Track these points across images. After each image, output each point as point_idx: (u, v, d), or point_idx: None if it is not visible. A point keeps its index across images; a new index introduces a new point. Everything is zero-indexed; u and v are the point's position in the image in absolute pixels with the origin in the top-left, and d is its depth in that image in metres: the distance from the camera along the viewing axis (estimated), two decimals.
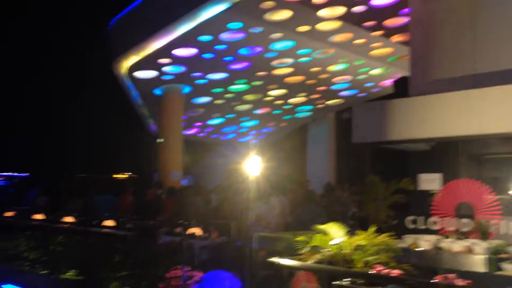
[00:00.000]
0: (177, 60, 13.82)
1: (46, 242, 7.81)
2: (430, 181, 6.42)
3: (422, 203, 6.07)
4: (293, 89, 16.91)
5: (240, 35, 12.58)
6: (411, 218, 5.35)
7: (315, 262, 4.34)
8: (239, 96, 17.07)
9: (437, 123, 7.50)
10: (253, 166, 5.17)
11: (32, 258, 7.94)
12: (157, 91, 15.72)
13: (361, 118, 8.38)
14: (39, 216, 9.87)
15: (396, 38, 13.24)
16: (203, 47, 13.11)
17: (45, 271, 7.68)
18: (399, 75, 15.26)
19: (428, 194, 6.10)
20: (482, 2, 8.00)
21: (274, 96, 17.47)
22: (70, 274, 7.13)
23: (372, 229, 4.52)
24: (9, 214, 10.78)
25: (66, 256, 7.31)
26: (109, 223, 8.66)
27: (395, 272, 3.96)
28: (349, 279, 4.15)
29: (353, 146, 8.82)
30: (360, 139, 8.41)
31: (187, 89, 15.77)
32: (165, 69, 14.34)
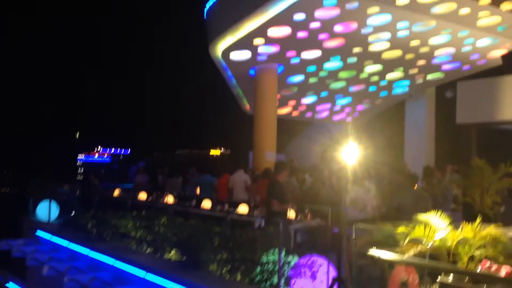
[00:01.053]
0: (271, 40, 13.79)
1: (151, 222, 8.24)
2: None
3: None
4: (390, 65, 16.25)
5: (335, 12, 12.25)
6: None
7: (416, 256, 4.15)
8: (333, 74, 16.72)
9: None
10: (350, 153, 5.00)
11: (138, 237, 8.44)
12: (252, 72, 15.84)
13: (467, 97, 7.81)
14: (143, 196, 10.48)
15: (506, 6, 12.22)
16: (297, 26, 12.94)
17: (150, 250, 8.15)
18: (509, 45, 14.10)
19: None
20: None
21: (369, 73, 16.91)
22: (172, 254, 7.50)
23: (478, 220, 4.22)
24: (116, 193, 11.56)
25: (169, 236, 7.66)
26: (207, 204, 8.97)
27: (506, 269, 3.67)
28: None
29: (455, 126, 8.31)
30: (466, 119, 7.87)
31: (281, 69, 15.73)
32: (259, 49, 14.38)
